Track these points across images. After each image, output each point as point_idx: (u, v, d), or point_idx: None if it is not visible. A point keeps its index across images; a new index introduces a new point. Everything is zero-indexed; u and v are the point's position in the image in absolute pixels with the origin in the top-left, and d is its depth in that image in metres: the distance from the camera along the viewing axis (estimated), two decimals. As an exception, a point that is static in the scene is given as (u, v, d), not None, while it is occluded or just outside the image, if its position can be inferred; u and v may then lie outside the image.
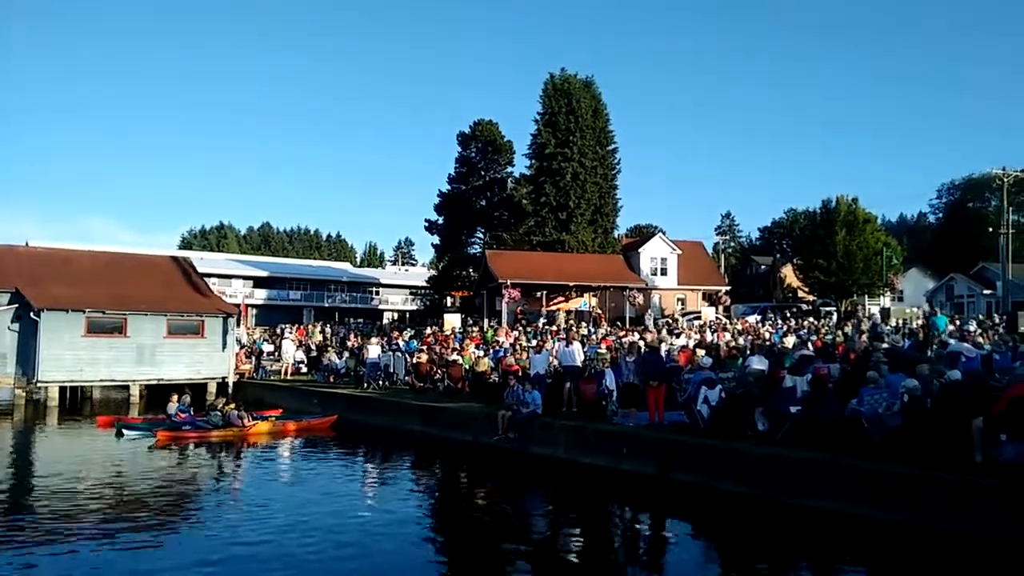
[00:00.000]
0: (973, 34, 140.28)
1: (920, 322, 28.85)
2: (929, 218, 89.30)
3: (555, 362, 19.45)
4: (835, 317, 37.36)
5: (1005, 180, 47.56)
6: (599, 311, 43.44)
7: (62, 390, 28.25)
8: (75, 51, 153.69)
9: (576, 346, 18.92)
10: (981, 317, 34.42)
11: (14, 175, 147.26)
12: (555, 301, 47.53)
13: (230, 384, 30.53)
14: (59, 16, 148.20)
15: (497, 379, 20.95)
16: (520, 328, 33.48)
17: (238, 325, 33.60)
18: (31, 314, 27.74)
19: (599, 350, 22.05)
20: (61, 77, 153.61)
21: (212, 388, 29.85)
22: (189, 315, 30.84)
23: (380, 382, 25.66)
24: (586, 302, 46.98)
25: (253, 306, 63.63)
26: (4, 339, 28.14)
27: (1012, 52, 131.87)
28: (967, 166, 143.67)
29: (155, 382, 29.40)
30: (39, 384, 27.61)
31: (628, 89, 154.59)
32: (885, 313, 36.54)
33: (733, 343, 23.55)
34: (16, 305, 28.37)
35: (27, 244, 43.77)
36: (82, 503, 12.35)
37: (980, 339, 20.69)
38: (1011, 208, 48.21)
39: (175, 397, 20.85)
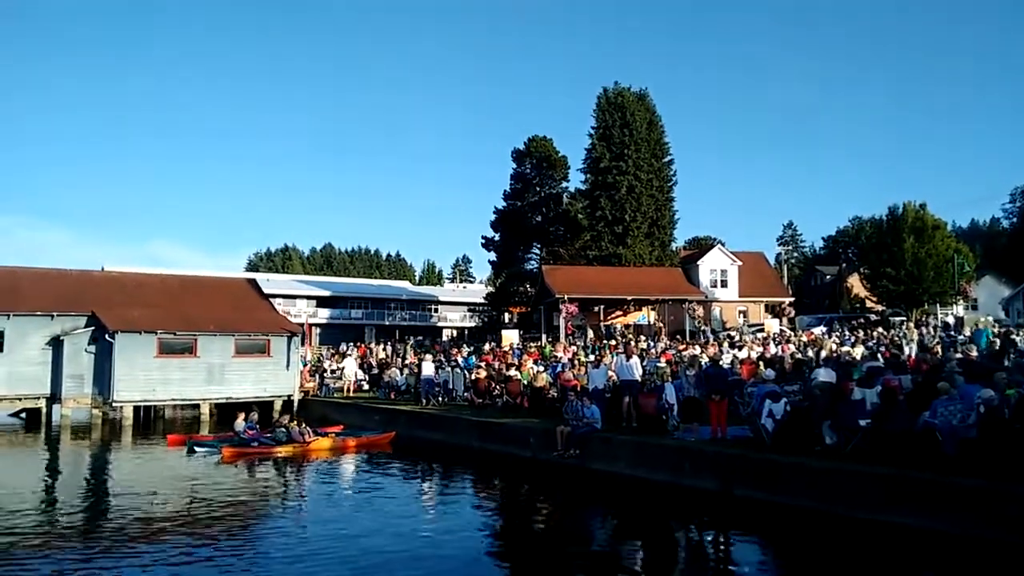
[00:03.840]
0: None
1: (995, 330, 27.64)
2: (1003, 223, 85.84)
3: (613, 376, 19.28)
4: (912, 327, 35.99)
5: (1085, 181, 45.29)
6: (659, 324, 42.96)
7: (136, 409, 29.27)
8: (134, 79, 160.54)
9: (635, 360, 18.73)
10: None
11: (86, 202, 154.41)
12: (613, 315, 47.21)
13: (295, 401, 31.18)
14: (119, 41, 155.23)
15: (556, 394, 20.86)
16: (576, 345, 33.31)
17: (302, 344, 34.33)
18: (106, 336, 28.88)
19: (659, 364, 21.81)
20: (130, 106, 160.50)
21: (278, 405, 30.53)
22: (255, 335, 31.65)
23: (439, 398, 25.84)
24: (644, 316, 46.53)
25: (316, 325, 64.89)
26: (82, 361, 29.37)
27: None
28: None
29: (224, 400, 30.22)
30: (114, 404, 28.66)
31: (684, 99, 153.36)
32: (959, 322, 35.12)
33: (799, 355, 22.98)
34: (92, 328, 29.61)
35: (103, 269, 45.75)
36: (156, 518, 12.77)
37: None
38: (1093, 210, 45.92)
39: (242, 415, 21.41)
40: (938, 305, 49.54)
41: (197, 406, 30.55)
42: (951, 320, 37.74)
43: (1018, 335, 25.20)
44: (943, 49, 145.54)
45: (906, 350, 23.17)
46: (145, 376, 29.04)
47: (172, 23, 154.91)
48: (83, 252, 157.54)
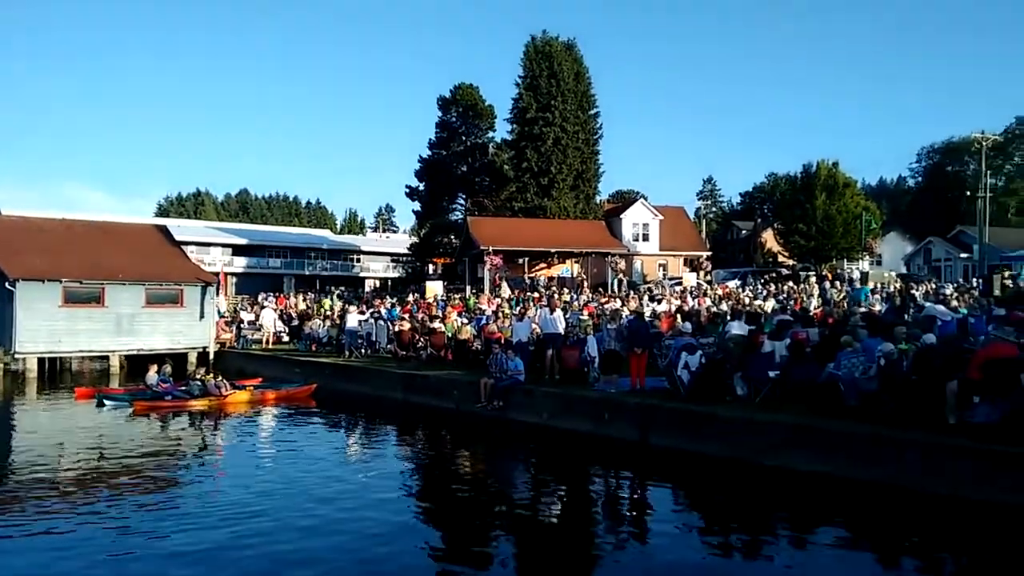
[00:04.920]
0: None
1: (898, 285, 29.15)
2: (908, 182, 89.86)
3: (537, 329, 19.48)
4: (813, 281, 37.59)
5: (984, 144, 47.80)
6: (582, 276, 43.52)
7: (40, 361, 27.94)
8: (47, 9, 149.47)
9: (558, 313, 18.93)
10: (960, 281, 34.84)
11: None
12: (537, 267, 47.56)
13: (211, 354, 30.35)
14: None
15: (480, 347, 20.97)
16: (501, 297, 33.44)
17: (217, 294, 33.31)
18: (6, 284, 27.31)
19: (581, 317, 22.14)
20: (35, 40, 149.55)
21: (192, 358, 29.67)
22: (167, 284, 30.49)
23: (362, 350, 25.60)
24: (568, 268, 47.03)
25: (232, 274, 63.12)
26: (-21, 310, 27.76)
27: (990, 16, 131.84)
28: (946, 130, 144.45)
29: (134, 352, 29.14)
30: (16, 355, 27.28)
31: (610, 53, 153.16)
32: (864, 277, 36.83)
33: (714, 308, 23.70)
34: (-10, 275, 27.93)
35: (0, 213, 42.95)
36: (62, 475, 12.30)
37: (956, 302, 20.96)
38: (989, 172, 48.57)
39: (153, 367, 20.76)
40: (845, 260, 51.85)
41: (106, 358, 29.37)
42: (856, 275, 39.54)
43: (918, 290, 26.67)
44: (857, 14, 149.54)
45: (809, 304, 24.20)
46: (49, 326, 27.69)
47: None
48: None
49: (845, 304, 22.59)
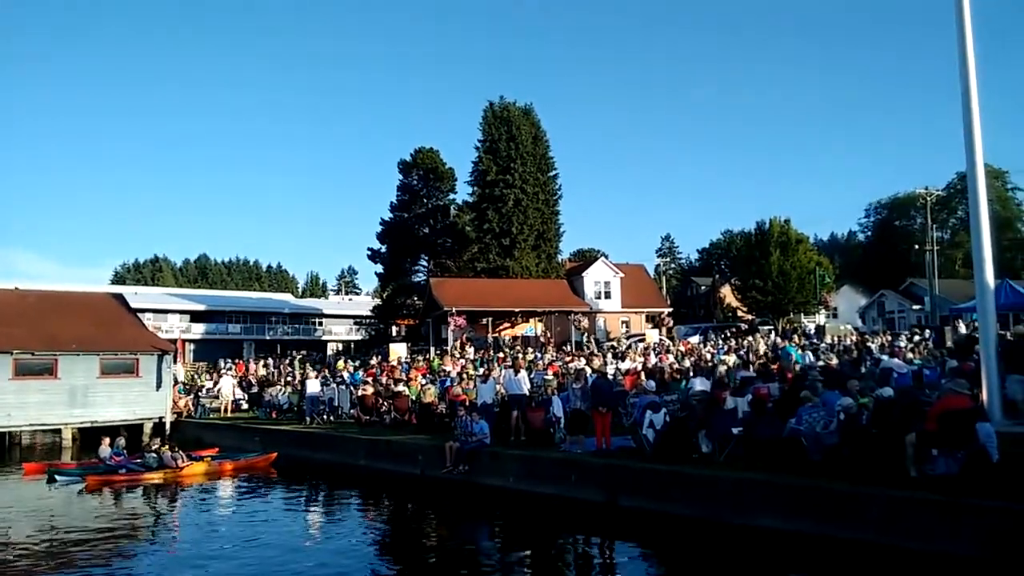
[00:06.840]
0: (893, 57, 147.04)
1: (854, 339, 29.73)
2: (859, 236, 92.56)
3: (502, 390, 19.38)
4: (772, 336, 38.19)
5: (928, 199, 49.70)
6: (547, 336, 43.63)
7: (-12, 436, 26.96)
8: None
9: (523, 374, 18.89)
10: (917, 333, 35.60)
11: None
12: (501, 327, 47.58)
13: (167, 424, 29.54)
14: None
15: (444, 409, 20.76)
16: (465, 357, 33.30)
17: (175, 362, 32.62)
18: (-48, 358, 26.46)
19: (546, 376, 22.12)
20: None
21: (148, 429, 28.85)
22: (123, 353, 29.80)
23: (324, 416, 25.16)
24: (532, 327, 47.15)
25: (191, 341, 61.95)
26: (-77, 385, 26.74)
27: (931, 74, 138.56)
28: (892, 185, 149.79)
29: (88, 425, 28.25)
30: (-38, 431, 26.27)
31: (565, 116, 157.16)
32: (820, 330, 37.55)
33: (677, 365, 23.86)
34: (-64, 348, 27.02)
35: (-53, 284, 41.84)
36: (7, 558, 11.73)
37: (910, 354, 21.44)
38: (935, 226, 50.42)
39: (106, 440, 20.18)
40: (802, 314, 52.88)
41: (58, 431, 28.43)
42: (812, 328, 40.32)
43: (873, 342, 27.23)
44: (800, 74, 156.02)
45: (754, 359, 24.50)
46: (-1, 400, 26.78)
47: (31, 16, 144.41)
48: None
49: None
